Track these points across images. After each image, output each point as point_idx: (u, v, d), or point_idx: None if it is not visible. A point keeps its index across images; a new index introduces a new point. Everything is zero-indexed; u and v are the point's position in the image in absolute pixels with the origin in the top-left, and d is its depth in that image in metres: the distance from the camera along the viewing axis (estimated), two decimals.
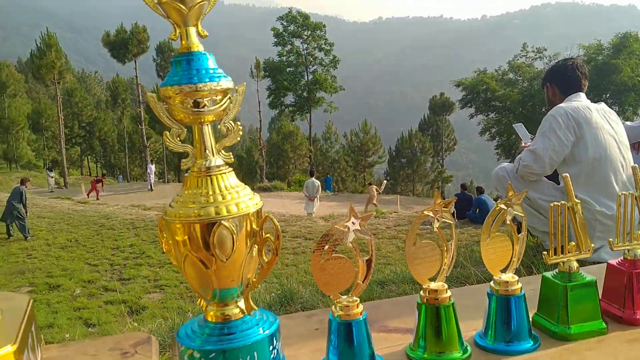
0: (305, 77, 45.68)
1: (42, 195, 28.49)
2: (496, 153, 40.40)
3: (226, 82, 0.95)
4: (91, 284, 9.91)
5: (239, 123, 1.01)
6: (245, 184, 1.01)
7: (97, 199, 26.42)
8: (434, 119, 54.80)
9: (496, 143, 39.74)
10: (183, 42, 0.95)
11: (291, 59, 45.47)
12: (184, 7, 0.92)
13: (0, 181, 36.15)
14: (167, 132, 0.95)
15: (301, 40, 45.59)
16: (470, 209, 14.25)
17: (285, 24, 45.30)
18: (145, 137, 44.75)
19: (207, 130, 0.98)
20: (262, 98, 44.69)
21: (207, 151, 0.98)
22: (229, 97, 0.98)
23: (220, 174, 0.97)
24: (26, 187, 15.49)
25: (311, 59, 45.68)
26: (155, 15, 0.95)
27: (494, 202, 13.04)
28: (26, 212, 14.95)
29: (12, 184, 31.03)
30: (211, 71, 0.94)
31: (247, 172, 48.86)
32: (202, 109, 0.94)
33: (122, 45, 40.90)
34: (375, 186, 24.01)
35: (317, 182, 18.21)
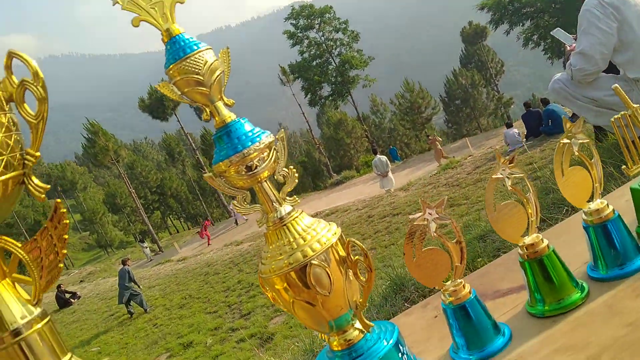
0: (333, 63, 45.52)
1: (144, 267, 30.06)
2: (547, 58, 38.54)
3: (267, 138, 1.01)
4: (218, 330, 10.38)
5: (292, 167, 1.07)
6: (316, 185, 1.07)
7: (209, 244, 27.47)
8: (472, 50, 53.04)
9: (543, 48, 37.91)
10: (216, 118, 1.02)
11: (313, 52, 45.46)
12: (204, 89, 0.99)
13: (105, 268, 38.44)
14: (234, 202, 1.02)
15: (315, 30, 45.48)
16: (542, 123, 13.70)
17: (294, 22, 45.35)
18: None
19: (267, 185, 1.04)
20: (300, 99, 44.94)
21: (274, 204, 1.04)
22: (274, 148, 1.03)
23: (293, 220, 1.03)
24: (129, 265, 16.45)
25: (332, 44, 45.48)
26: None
27: (562, 108, 12.47)
28: (139, 287, 15.93)
29: (115, 267, 33.00)
30: (250, 134, 1.00)
31: (314, 174, 49.33)
32: (255, 170, 1.00)
33: (159, 104, 42.44)
34: (436, 136, 23.53)
35: (384, 157, 18.14)
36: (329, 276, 0.98)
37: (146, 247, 35.98)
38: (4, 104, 0.91)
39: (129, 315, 15.30)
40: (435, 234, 1.05)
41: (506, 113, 49.33)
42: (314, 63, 45.36)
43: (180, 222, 66.80)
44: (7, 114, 0.91)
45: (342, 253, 1.02)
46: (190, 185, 58.52)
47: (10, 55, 0.91)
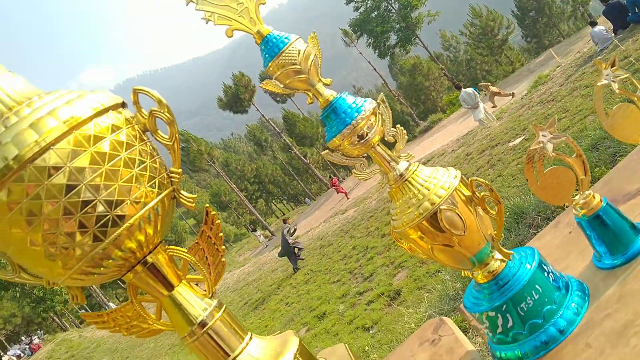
0: (392, 9, 44.22)
1: (263, 253, 31.43)
2: None
3: (369, 105, 1.08)
4: (346, 296, 10.72)
5: (399, 126, 1.13)
6: (406, 136, 1.12)
7: (348, 198, 27.72)
8: None
9: None
10: (320, 99, 1.10)
11: (369, 4, 44.40)
12: (303, 76, 1.07)
13: (228, 262, 40.59)
14: (355, 171, 1.10)
15: None
16: (628, 12, 12.56)
17: None
18: (303, 157, 47.06)
19: (380, 148, 1.11)
20: (368, 55, 44.22)
21: (391, 163, 1.10)
22: (378, 112, 1.10)
23: (413, 174, 1.09)
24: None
25: None
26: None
27: None
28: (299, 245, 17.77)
29: (236, 259, 34.77)
30: (354, 105, 1.07)
31: (401, 126, 48.46)
32: (367, 138, 1.07)
33: (236, 99, 43.65)
34: (488, 84, 22.62)
35: (469, 89, 17.49)
36: (459, 217, 1.04)
37: (259, 235, 37.57)
38: (142, 134, 1.04)
39: (294, 272, 16.54)
40: (554, 154, 1.06)
41: (586, 12, 45.52)
42: (373, 15, 44.30)
43: (284, 204, 68.83)
44: (148, 143, 1.04)
45: (467, 192, 1.07)
46: (283, 168, 59.98)
47: (135, 91, 1.04)
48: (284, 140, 47.11)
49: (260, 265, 20.50)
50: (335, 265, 13.80)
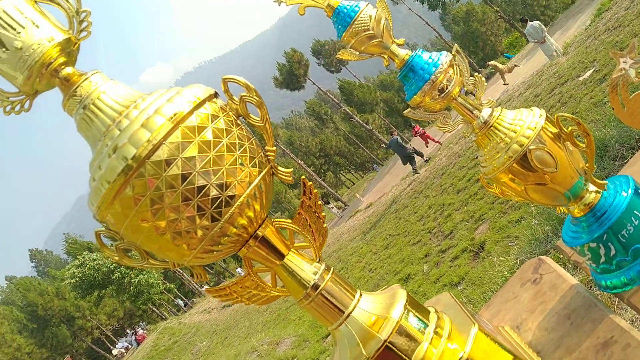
0: None
1: (338, 225, 31.80)
2: None
3: (445, 58, 1.11)
4: (429, 256, 10.73)
5: (477, 74, 1.15)
6: (485, 83, 1.14)
7: (440, 143, 24.88)
8: None
9: None
10: (396, 60, 1.14)
11: None
12: (377, 40, 1.11)
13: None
14: (439, 124, 1.14)
15: None
16: None
17: None
18: (365, 124, 46.85)
19: (462, 99, 1.14)
20: (418, 10, 42.97)
21: (474, 112, 1.13)
22: (455, 64, 1.12)
23: (497, 119, 1.12)
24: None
25: None
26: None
27: None
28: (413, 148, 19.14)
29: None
30: (430, 61, 1.10)
31: None
32: (447, 91, 1.11)
33: (291, 76, 43.87)
34: (496, 63, 22.36)
35: (536, 23, 16.63)
36: (549, 154, 1.06)
37: (332, 207, 38.00)
38: (237, 119, 1.13)
39: (414, 173, 18.52)
40: (637, 79, 1.05)
41: None
42: None
43: (352, 173, 68.98)
44: (243, 127, 1.12)
45: (554, 129, 1.09)
46: (347, 138, 59.97)
47: (225, 80, 1.12)
48: (344, 110, 47.01)
49: (338, 236, 20.80)
50: (413, 227, 13.80)
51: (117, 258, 1.16)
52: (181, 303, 40.50)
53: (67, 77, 1.12)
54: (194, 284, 41.72)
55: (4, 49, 1.07)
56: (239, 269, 38.82)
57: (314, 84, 45.45)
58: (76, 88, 1.11)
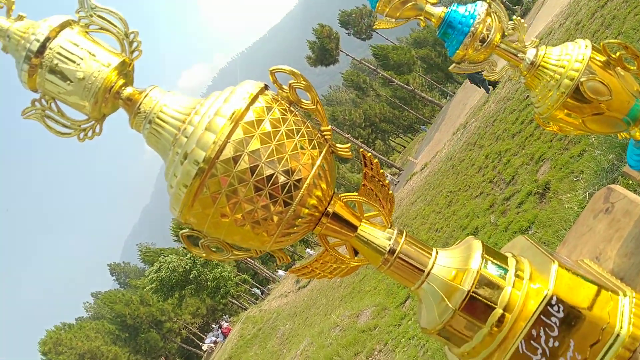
0: None
1: (396, 191, 31.66)
2: None
3: (481, 7, 1.11)
4: (494, 206, 10.56)
5: (515, 17, 1.15)
6: (525, 24, 1.13)
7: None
8: None
9: None
10: (432, 19, 1.16)
11: None
12: (410, 3, 1.13)
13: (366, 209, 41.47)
14: (486, 73, 1.15)
15: None
16: None
17: None
18: (405, 85, 46.10)
19: (504, 44, 1.14)
20: None
21: (518, 55, 1.14)
22: (492, 11, 1.13)
23: (543, 58, 1.12)
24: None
25: None
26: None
27: None
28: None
29: None
30: (467, 13, 1.12)
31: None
32: (488, 39, 1.12)
33: (324, 51, 43.63)
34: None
35: None
36: (602, 83, 1.05)
37: (387, 176, 37.78)
38: (289, 106, 1.18)
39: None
40: None
41: None
42: None
43: (401, 137, 68.26)
44: (297, 112, 1.18)
45: (602, 57, 1.08)
46: (389, 103, 59.23)
47: (272, 72, 1.17)
48: (382, 75, 46.41)
49: (398, 202, 20.74)
50: (473, 180, 13.59)
51: (204, 255, 1.25)
52: (258, 291, 41.65)
53: (129, 97, 1.20)
54: (267, 271, 42.79)
55: (68, 82, 1.16)
56: (308, 250, 39.43)
57: (347, 55, 45.05)
58: (139, 105, 1.19)
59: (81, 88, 1.17)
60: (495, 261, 1.16)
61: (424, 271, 1.19)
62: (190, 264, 34.23)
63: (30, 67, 1.14)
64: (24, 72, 1.15)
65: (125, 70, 1.22)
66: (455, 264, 1.18)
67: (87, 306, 74.16)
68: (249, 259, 43.20)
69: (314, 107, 1.19)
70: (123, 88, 1.21)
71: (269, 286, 41.10)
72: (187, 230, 1.23)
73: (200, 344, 41.22)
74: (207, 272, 34.59)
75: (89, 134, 1.23)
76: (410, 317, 8.97)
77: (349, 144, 1.22)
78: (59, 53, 1.15)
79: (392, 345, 8.79)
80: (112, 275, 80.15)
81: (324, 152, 1.17)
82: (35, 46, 1.14)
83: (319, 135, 1.19)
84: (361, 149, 1.21)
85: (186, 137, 1.11)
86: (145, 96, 1.20)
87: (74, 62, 1.16)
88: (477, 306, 1.10)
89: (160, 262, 35.11)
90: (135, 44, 1.23)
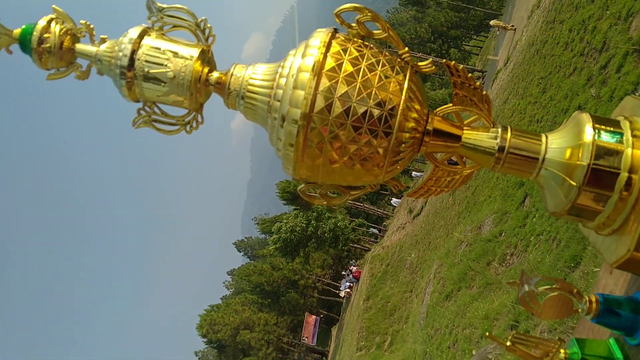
0: None
1: (487, 90, 30.24)
2: None
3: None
4: (591, 79, 9.85)
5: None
6: None
7: None
8: None
9: None
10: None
11: None
12: None
13: None
14: None
15: None
16: None
17: None
18: None
19: None
20: None
21: None
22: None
23: None
24: None
25: None
26: None
27: None
28: None
29: None
30: None
31: None
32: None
33: None
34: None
35: None
36: None
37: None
38: (362, 41, 1.21)
39: None
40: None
41: None
42: None
43: (474, 39, 64.82)
44: (370, 44, 1.20)
45: None
46: (452, 7, 56.16)
47: (337, 14, 1.20)
48: None
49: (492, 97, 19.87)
50: (562, 59, 12.73)
51: (325, 202, 1.34)
52: (375, 231, 42.39)
53: (217, 81, 1.29)
54: (378, 210, 43.29)
55: (162, 84, 1.27)
56: (393, 199, 39.21)
57: None
58: (228, 86, 1.28)
59: (175, 86, 1.27)
60: (607, 128, 1.14)
61: (538, 159, 1.19)
62: (305, 222, 35.46)
63: (126, 81, 1.26)
64: (123, 87, 1.27)
65: (207, 58, 1.31)
66: (567, 142, 1.18)
67: (227, 284, 79.69)
68: (357, 203, 43.90)
69: (386, 34, 1.21)
70: (210, 74, 1.30)
71: (384, 223, 41.64)
72: (303, 185, 1.32)
73: (337, 292, 43.00)
74: (323, 225, 35.68)
75: (194, 124, 1.34)
76: (534, 214, 8.76)
77: (430, 59, 1.23)
78: (146, 61, 1.26)
79: (523, 246, 8.67)
80: (240, 252, 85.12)
81: (408, 74, 1.19)
82: (125, 62, 1.25)
83: (398, 60, 1.21)
84: (444, 60, 1.22)
85: (278, 100, 1.18)
86: (231, 76, 1.28)
87: (162, 64, 1.26)
88: (601, 176, 1.10)
89: (277, 227, 36.72)
90: (207, 31, 1.30)
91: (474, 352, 8.01)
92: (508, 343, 1.34)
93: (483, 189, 14.92)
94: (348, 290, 38.86)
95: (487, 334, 1.47)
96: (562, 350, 1.27)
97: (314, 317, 45.24)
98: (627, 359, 1.20)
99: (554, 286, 1.22)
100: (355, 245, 40.74)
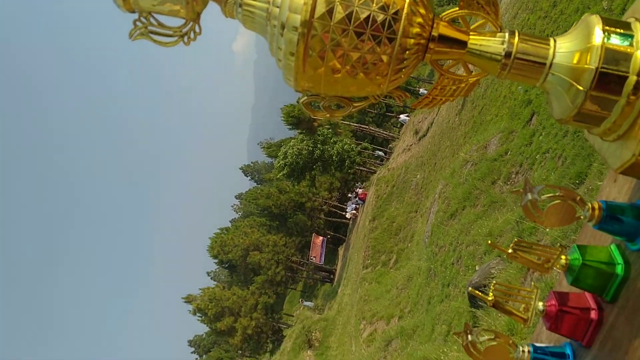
0: None
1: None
2: None
3: None
4: None
5: None
6: None
7: None
8: None
9: None
10: None
11: None
12: None
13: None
14: None
15: None
16: None
17: None
18: None
19: None
20: None
21: None
22: None
23: None
24: None
25: None
26: None
27: None
28: None
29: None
30: None
31: None
32: None
33: None
34: None
35: None
36: None
37: None
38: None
39: None
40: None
41: None
42: None
43: None
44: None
45: None
46: None
47: None
48: None
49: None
50: None
51: (328, 115, 1.32)
52: (381, 153, 42.45)
53: None
54: (384, 132, 43.11)
55: None
56: (401, 116, 38.72)
57: None
58: None
59: None
60: (617, 30, 1.10)
61: (545, 64, 1.16)
62: (311, 145, 35.49)
63: None
64: None
65: None
66: (576, 46, 1.14)
67: (235, 208, 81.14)
68: (363, 126, 43.71)
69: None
70: None
71: (390, 146, 41.63)
72: (305, 97, 1.30)
73: (343, 213, 43.77)
74: (329, 149, 35.75)
75: (191, 35, 1.30)
76: (540, 132, 8.70)
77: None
78: None
79: (528, 165, 8.70)
80: (247, 176, 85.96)
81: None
82: None
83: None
84: None
85: (277, 7, 1.14)
86: None
87: None
88: (608, 80, 1.07)
89: (284, 151, 36.83)
90: None
91: (477, 268, 8.25)
92: (510, 251, 1.37)
93: (490, 108, 14.76)
94: (354, 212, 39.52)
95: (490, 242, 1.50)
96: (563, 257, 1.29)
97: (321, 237, 46.36)
98: (627, 264, 1.22)
99: (557, 193, 1.22)
100: (361, 168, 40.97)
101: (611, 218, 1.20)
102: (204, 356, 75.31)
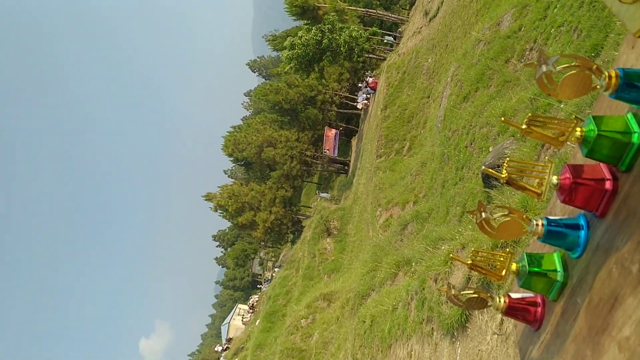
0: None
1: None
2: None
3: None
4: None
5: None
6: None
7: None
8: None
9: None
10: None
11: None
12: None
13: None
14: None
15: None
16: None
17: None
18: None
19: None
20: None
21: None
22: None
23: None
24: None
25: None
26: None
27: None
28: None
29: None
30: None
31: None
32: None
33: None
34: None
35: None
36: None
37: None
38: None
39: None
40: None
41: None
42: None
43: None
44: None
45: None
46: None
47: None
48: None
49: None
50: None
51: None
52: (390, 38, 41.01)
53: None
54: (392, 16, 41.34)
55: None
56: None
57: None
58: None
59: None
60: None
61: None
62: (319, 35, 34.30)
63: None
64: None
65: None
66: None
67: (245, 105, 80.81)
68: (371, 10, 41.89)
69: None
70: None
71: (399, 30, 40.13)
72: None
73: (355, 104, 43.35)
74: (337, 37, 34.52)
75: None
76: (555, 4, 8.28)
77: None
78: None
79: (543, 40, 8.37)
80: (254, 72, 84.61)
81: None
82: None
83: None
84: None
85: None
86: None
87: None
88: None
89: (289, 42, 35.70)
90: None
91: (490, 149, 8.26)
92: (524, 126, 1.34)
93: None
94: (365, 102, 39.15)
95: (503, 118, 1.47)
96: (578, 129, 1.27)
97: (333, 130, 46.39)
98: None
99: (573, 63, 1.18)
100: (370, 56, 39.89)
101: (628, 85, 1.16)
102: (229, 249, 79.02)
